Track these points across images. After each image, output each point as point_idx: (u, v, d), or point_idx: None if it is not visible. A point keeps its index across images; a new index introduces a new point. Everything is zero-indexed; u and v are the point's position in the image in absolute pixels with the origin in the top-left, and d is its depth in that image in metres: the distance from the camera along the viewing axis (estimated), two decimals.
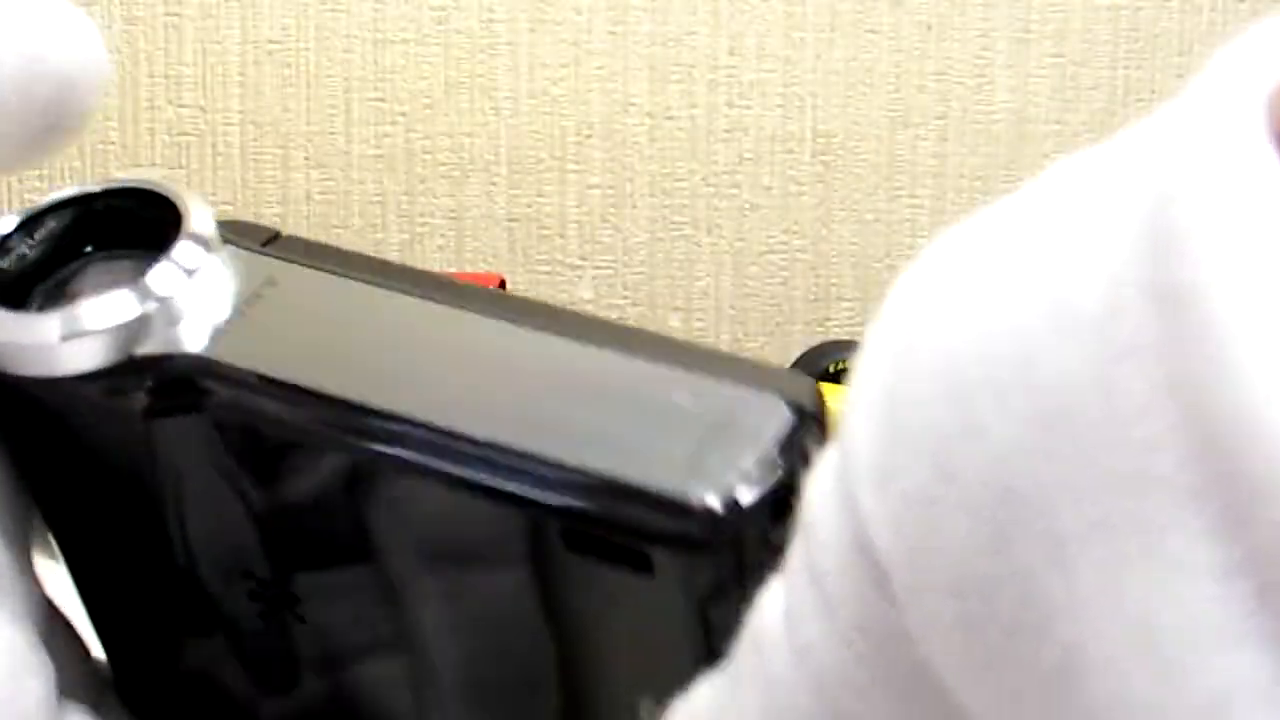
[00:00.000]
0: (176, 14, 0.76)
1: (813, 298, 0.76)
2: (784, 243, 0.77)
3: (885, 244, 0.77)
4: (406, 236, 0.78)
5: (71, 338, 0.20)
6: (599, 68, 0.77)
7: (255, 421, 0.21)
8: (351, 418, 0.20)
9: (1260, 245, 0.14)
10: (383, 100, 0.77)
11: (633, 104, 0.77)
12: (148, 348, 0.21)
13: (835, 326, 0.76)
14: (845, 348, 0.70)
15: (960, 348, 0.16)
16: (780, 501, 0.19)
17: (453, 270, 0.76)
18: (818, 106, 0.77)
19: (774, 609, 0.18)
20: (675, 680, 0.19)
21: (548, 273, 0.77)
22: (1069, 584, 0.15)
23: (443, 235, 0.78)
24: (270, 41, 0.76)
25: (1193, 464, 0.14)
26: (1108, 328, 0.15)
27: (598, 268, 0.77)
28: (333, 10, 0.76)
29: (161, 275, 0.21)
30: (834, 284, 0.76)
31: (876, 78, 0.77)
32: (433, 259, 0.77)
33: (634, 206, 0.77)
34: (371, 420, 0.20)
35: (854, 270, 0.77)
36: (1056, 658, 0.15)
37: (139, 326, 0.21)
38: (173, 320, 0.21)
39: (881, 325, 0.17)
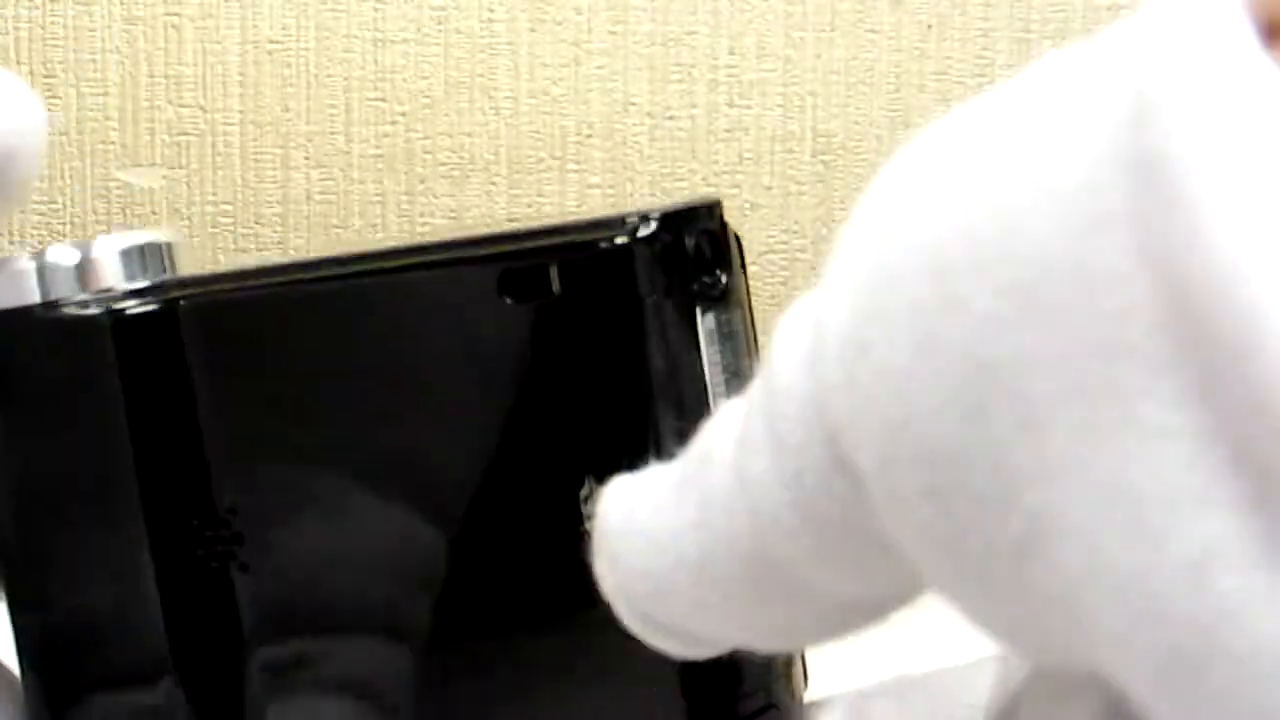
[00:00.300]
0: (176, 14, 0.76)
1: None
2: (784, 242, 0.77)
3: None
4: (407, 236, 0.78)
5: (44, 271, 0.23)
6: (599, 67, 0.77)
7: (219, 304, 0.23)
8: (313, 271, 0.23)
9: (1232, 115, 0.14)
10: (383, 100, 0.77)
11: (633, 103, 0.77)
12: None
13: None
14: None
15: (944, 226, 0.16)
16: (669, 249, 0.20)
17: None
18: (818, 106, 0.77)
19: (728, 431, 0.19)
20: (617, 462, 0.19)
21: None
22: (1040, 452, 0.15)
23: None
24: (270, 41, 0.76)
25: (1165, 331, 0.14)
26: (1084, 200, 0.15)
27: None
28: (333, 10, 0.76)
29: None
30: None
31: (877, 77, 0.77)
32: None
33: (634, 206, 0.77)
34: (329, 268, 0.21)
35: None
36: (1023, 528, 0.15)
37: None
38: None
39: (865, 208, 0.18)
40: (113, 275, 0.24)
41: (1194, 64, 0.15)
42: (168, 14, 0.76)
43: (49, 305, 0.24)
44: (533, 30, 0.77)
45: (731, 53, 0.77)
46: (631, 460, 0.19)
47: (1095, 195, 0.15)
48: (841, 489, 0.17)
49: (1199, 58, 0.15)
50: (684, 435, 0.19)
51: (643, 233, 0.19)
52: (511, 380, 0.21)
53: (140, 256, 0.24)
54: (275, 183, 0.77)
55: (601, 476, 0.19)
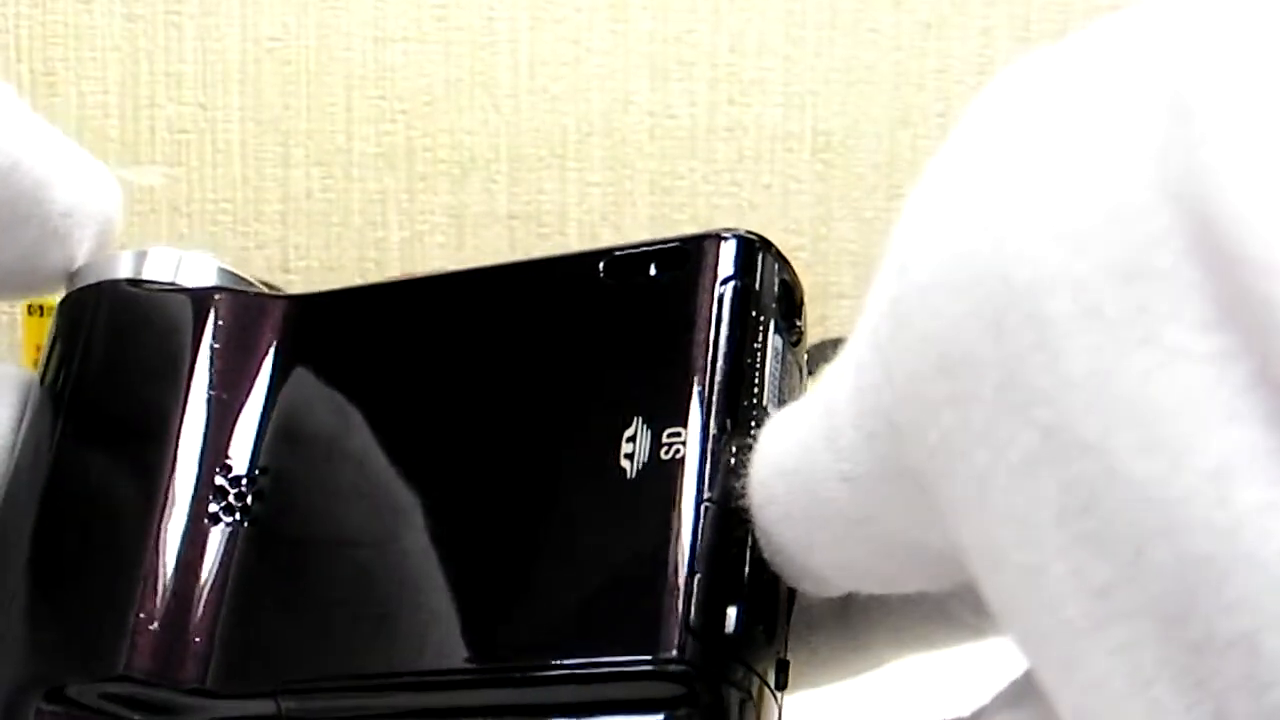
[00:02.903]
0: (177, 11, 0.76)
1: (812, 296, 0.76)
2: (783, 241, 0.76)
3: (884, 243, 0.77)
4: (407, 234, 0.78)
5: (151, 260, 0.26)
6: (599, 65, 0.77)
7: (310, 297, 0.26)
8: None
9: (1254, 60, 0.15)
10: (383, 98, 0.77)
11: (633, 102, 0.77)
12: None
13: (834, 324, 0.76)
14: (844, 345, 0.70)
15: (987, 169, 0.18)
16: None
17: (453, 267, 0.76)
18: (818, 105, 0.77)
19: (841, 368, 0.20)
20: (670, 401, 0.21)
21: None
22: (1054, 368, 0.16)
23: (443, 233, 0.78)
24: (270, 39, 0.76)
25: (1190, 257, 0.15)
26: (1119, 138, 0.16)
27: None
28: (333, 8, 0.76)
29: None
30: (833, 282, 0.76)
31: (877, 76, 0.77)
32: (433, 256, 0.77)
33: (634, 204, 0.78)
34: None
35: (853, 269, 0.77)
36: (1034, 442, 0.16)
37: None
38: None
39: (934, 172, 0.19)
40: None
41: (1225, 12, 0.16)
42: (168, 12, 0.76)
43: (139, 282, 0.26)
44: (533, 28, 0.77)
45: (732, 50, 0.77)
46: (682, 410, 0.21)
47: (1130, 133, 0.16)
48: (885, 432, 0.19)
49: (1226, 7, 0.16)
50: (739, 415, 0.21)
51: (731, 238, 0.22)
52: (587, 346, 0.23)
53: (228, 275, 0.27)
54: (276, 180, 0.77)
55: (651, 419, 0.21)
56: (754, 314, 0.23)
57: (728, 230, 0.23)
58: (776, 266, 0.24)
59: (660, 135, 0.77)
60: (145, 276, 0.26)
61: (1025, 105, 0.18)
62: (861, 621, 0.24)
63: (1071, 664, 0.16)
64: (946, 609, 0.23)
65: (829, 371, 0.20)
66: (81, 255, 0.27)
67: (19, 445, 0.26)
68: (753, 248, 0.23)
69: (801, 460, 0.20)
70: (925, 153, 0.78)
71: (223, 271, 0.27)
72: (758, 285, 0.23)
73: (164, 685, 0.23)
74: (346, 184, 0.77)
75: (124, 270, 0.26)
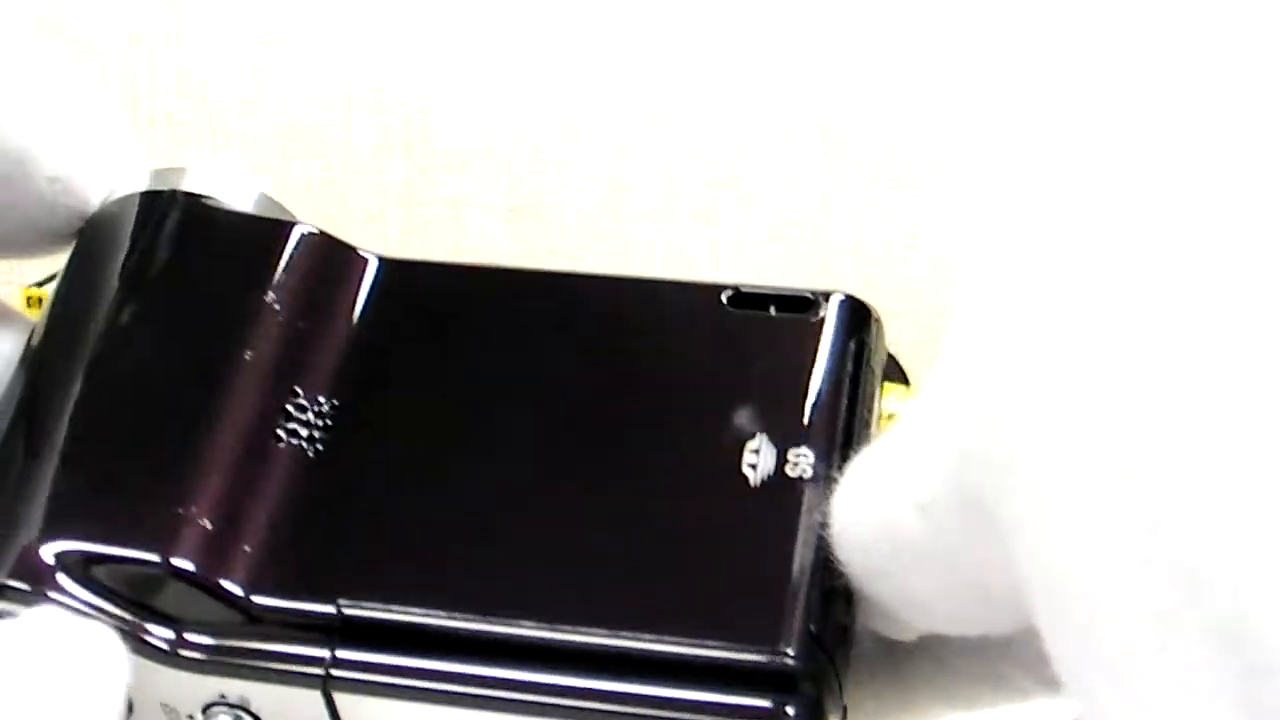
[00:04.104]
0: (176, 2, 0.76)
1: (812, 288, 0.76)
2: (784, 233, 0.77)
3: (885, 235, 0.77)
4: (406, 226, 0.78)
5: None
6: (599, 56, 0.77)
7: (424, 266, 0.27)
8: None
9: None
10: (382, 89, 0.77)
11: (633, 93, 0.77)
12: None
13: None
14: None
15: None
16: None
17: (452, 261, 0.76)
18: (818, 96, 0.77)
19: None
20: (802, 424, 0.24)
21: (548, 262, 0.77)
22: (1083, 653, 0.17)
23: (442, 225, 0.78)
24: (270, 31, 0.76)
25: (1207, 643, 0.15)
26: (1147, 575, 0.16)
27: (597, 257, 0.78)
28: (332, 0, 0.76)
29: None
30: (833, 274, 0.76)
31: (877, 68, 0.77)
32: (433, 248, 0.77)
33: (633, 196, 0.77)
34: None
35: (853, 260, 0.77)
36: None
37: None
38: None
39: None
40: None
41: None
42: (168, 2, 0.76)
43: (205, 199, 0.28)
44: (533, 19, 0.77)
45: (732, 41, 0.77)
46: (810, 434, 0.24)
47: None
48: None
49: None
50: (854, 446, 0.24)
51: (849, 298, 0.27)
52: (708, 361, 0.26)
53: None
54: (275, 172, 0.77)
55: (775, 437, 0.24)
56: (869, 365, 0.26)
57: (846, 293, 0.26)
58: (881, 332, 0.27)
59: (661, 127, 0.77)
60: (207, 193, 0.28)
61: None
62: (913, 677, 0.24)
63: (1128, 689, 0.16)
64: (998, 670, 0.24)
65: (907, 408, 0.21)
66: (73, 229, 0.26)
67: (43, 323, 0.26)
68: (869, 311, 0.26)
69: (878, 487, 0.21)
70: (925, 144, 0.78)
71: (266, 199, 0.28)
72: (872, 343, 0.26)
73: (206, 582, 0.23)
74: (346, 175, 0.77)
75: (185, 184, 0.28)
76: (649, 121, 0.77)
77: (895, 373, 0.63)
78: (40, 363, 0.26)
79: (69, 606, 0.23)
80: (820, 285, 0.27)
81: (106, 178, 0.27)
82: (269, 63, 0.76)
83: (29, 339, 0.26)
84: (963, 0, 0.77)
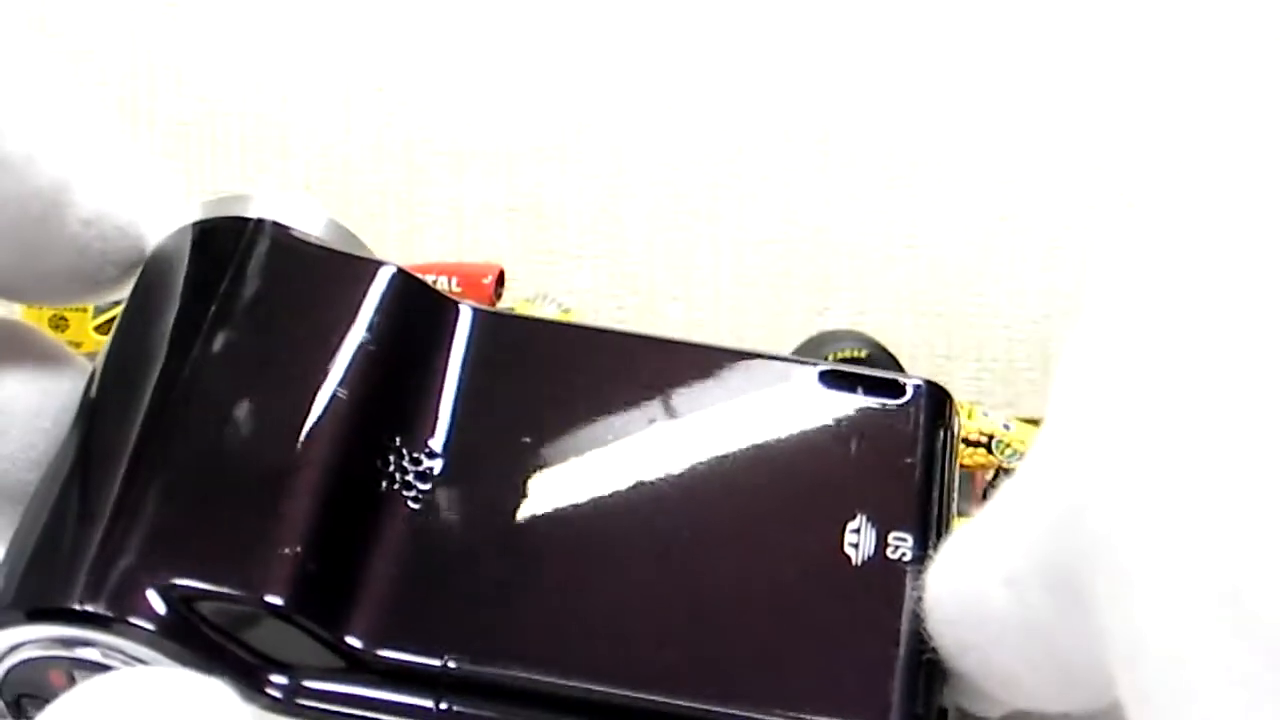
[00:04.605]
0: (176, 2, 0.76)
1: (812, 287, 0.76)
2: (783, 232, 0.77)
3: (884, 234, 0.77)
4: (406, 226, 0.78)
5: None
6: (599, 56, 0.77)
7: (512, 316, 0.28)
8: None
9: None
10: (382, 89, 0.77)
11: (632, 93, 0.77)
12: None
13: (834, 316, 0.77)
14: (844, 337, 0.70)
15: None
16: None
17: (452, 260, 0.76)
18: (818, 97, 0.77)
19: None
20: (898, 505, 0.25)
21: (547, 262, 0.77)
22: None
23: (442, 225, 0.78)
24: (270, 30, 0.76)
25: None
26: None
27: (597, 257, 0.78)
28: (332, 0, 0.76)
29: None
30: (833, 273, 0.76)
31: (877, 68, 0.78)
32: (432, 249, 0.77)
33: (633, 196, 0.78)
34: None
35: (853, 260, 0.77)
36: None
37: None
38: None
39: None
40: None
41: None
42: (168, 3, 0.76)
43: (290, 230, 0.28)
44: (533, 19, 0.77)
45: (731, 41, 0.77)
46: (910, 519, 0.25)
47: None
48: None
49: None
50: (947, 529, 0.26)
51: (929, 384, 0.27)
52: (803, 438, 0.26)
53: None
54: (275, 172, 0.77)
55: (875, 518, 0.25)
56: (955, 451, 0.27)
57: (924, 379, 0.27)
58: (958, 416, 0.28)
59: (660, 128, 0.77)
60: (287, 223, 0.27)
61: None
62: None
63: None
64: None
65: (998, 489, 0.22)
66: (105, 277, 0.26)
67: (106, 355, 0.26)
68: (949, 397, 0.27)
69: (969, 561, 0.22)
70: (924, 143, 0.78)
71: (335, 224, 0.28)
72: (956, 430, 0.27)
73: (310, 625, 0.23)
74: (346, 175, 0.77)
75: (266, 211, 0.27)
76: (649, 121, 0.77)
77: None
78: (115, 395, 0.25)
79: (184, 649, 0.23)
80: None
81: (142, 221, 0.26)
82: (269, 63, 0.77)
83: (90, 375, 0.26)
84: (962, 1, 0.78)
